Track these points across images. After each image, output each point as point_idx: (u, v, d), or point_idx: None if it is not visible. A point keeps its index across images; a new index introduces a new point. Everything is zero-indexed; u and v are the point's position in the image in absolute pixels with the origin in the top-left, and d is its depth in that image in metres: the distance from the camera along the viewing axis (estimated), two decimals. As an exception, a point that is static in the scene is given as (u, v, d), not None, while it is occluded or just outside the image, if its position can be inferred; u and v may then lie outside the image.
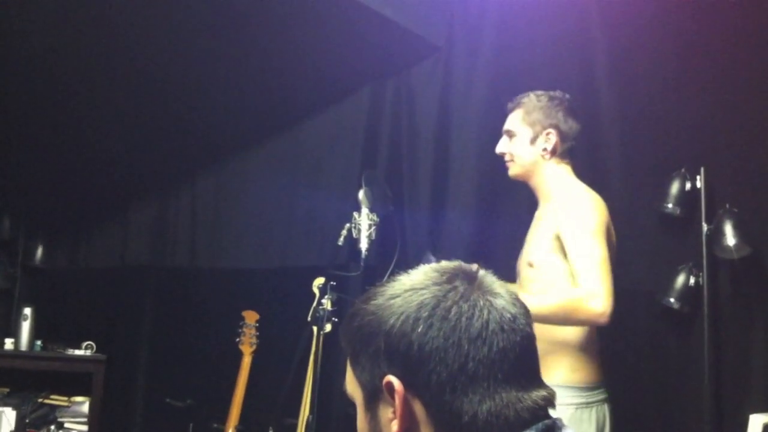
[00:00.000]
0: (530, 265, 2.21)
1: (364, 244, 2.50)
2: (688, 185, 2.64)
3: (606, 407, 2.13)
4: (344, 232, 2.56)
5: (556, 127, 2.26)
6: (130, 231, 3.58)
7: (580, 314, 2.00)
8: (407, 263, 2.90)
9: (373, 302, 0.89)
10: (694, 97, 2.74)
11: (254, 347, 3.11)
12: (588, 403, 2.08)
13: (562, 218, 2.14)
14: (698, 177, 2.63)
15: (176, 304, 3.49)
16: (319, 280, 2.76)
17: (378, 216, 2.61)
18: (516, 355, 0.85)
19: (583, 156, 2.88)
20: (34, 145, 3.49)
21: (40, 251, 3.54)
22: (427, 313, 0.85)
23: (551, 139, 2.25)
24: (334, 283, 2.70)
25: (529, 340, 0.88)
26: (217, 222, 3.53)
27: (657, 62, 2.81)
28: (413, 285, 0.88)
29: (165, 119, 3.58)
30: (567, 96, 2.32)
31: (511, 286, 2.07)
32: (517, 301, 0.89)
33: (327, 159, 3.37)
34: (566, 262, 2.12)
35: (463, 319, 0.84)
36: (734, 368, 2.57)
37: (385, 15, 3.01)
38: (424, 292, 0.87)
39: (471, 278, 0.88)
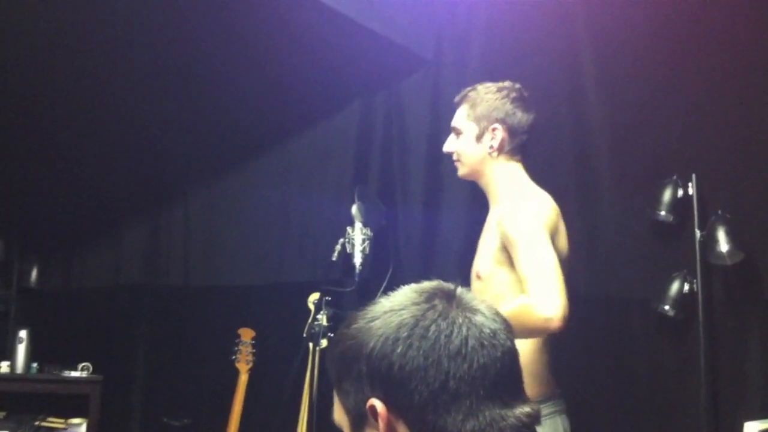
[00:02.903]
0: (478, 276, 2.10)
1: (358, 259, 2.49)
2: (680, 192, 2.64)
3: (561, 419, 2.04)
4: (338, 247, 2.55)
5: (502, 121, 2.11)
6: (125, 250, 3.58)
7: (531, 322, 1.82)
8: (402, 277, 2.91)
9: (353, 326, 0.89)
10: (683, 104, 2.74)
11: (251, 365, 3.10)
12: (543, 416, 1.98)
13: (508, 224, 1.99)
14: (690, 184, 2.63)
15: (172, 323, 3.48)
16: (314, 296, 2.76)
17: (372, 230, 2.61)
18: (497, 371, 0.85)
19: (574, 165, 2.90)
20: (26, 166, 3.49)
21: (34, 273, 3.53)
22: (406, 333, 0.84)
23: (498, 135, 2.10)
24: (330, 299, 2.70)
25: (511, 355, 0.88)
26: (211, 239, 3.52)
27: (646, 70, 2.82)
28: (392, 306, 0.88)
29: (156, 137, 3.59)
30: (517, 86, 2.17)
31: None
32: (497, 316, 0.89)
33: (319, 174, 3.37)
34: (512, 274, 1.98)
35: (442, 336, 0.84)
36: (730, 375, 2.56)
37: (373, 29, 3.02)
38: (402, 312, 0.86)
39: (450, 296, 0.88)
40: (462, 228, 3.00)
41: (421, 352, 0.83)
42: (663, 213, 2.64)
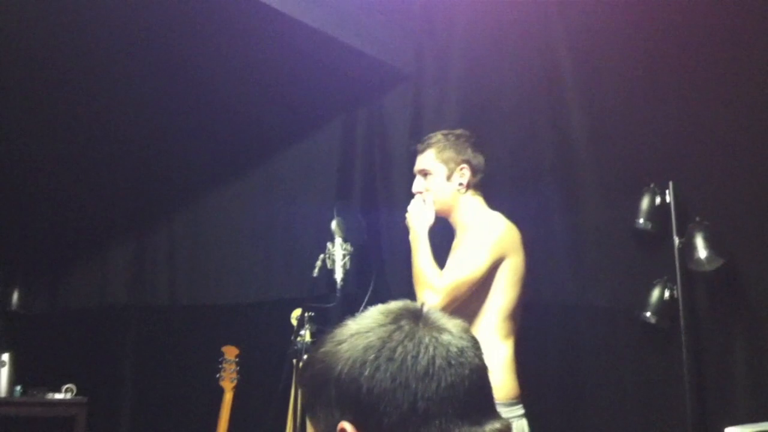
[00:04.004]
0: None
1: (339, 274, 2.51)
2: (658, 200, 2.66)
3: (525, 422, 2.22)
4: (319, 263, 2.56)
5: (468, 162, 2.40)
6: (107, 272, 3.56)
7: (418, 290, 2.24)
8: (386, 291, 2.90)
9: (321, 350, 0.89)
10: (659, 112, 2.77)
11: (235, 383, 3.09)
12: (510, 418, 2.13)
13: (464, 240, 2.29)
14: (667, 191, 2.65)
15: (156, 342, 3.46)
16: (297, 312, 2.75)
17: (352, 245, 2.62)
18: (465, 389, 0.85)
19: (553, 175, 2.91)
20: (8, 188, 3.47)
21: (16, 296, 3.51)
22: (373, 356, 0.84)
23: (465, 173, 2.39)
24: (312, 314, 2.69)
25: (479, 372, 0.87)
26: (194, 258, 3.51)
27: (623, 80, 2.85)
28: (359, 329, 0.88)
29: (139, 158, 3.58)
30: (468, 133, 2.47)
31: None
32: (465, 333, 0.89)
33: (302, 191, 3.37)
34: (475, 293, 2.24)
35: (409, 357, 0.84)
36: (714, 380, 2.58)
37: (353, 45, 3.04)
38: (369, 334, 0.86)
39: (416, 316, 0.88)
40: (444, 242, 3.01)
41: (389, 374, 0.83)
42: (642, 221, 2.66)
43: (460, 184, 2.38)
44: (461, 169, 2.38)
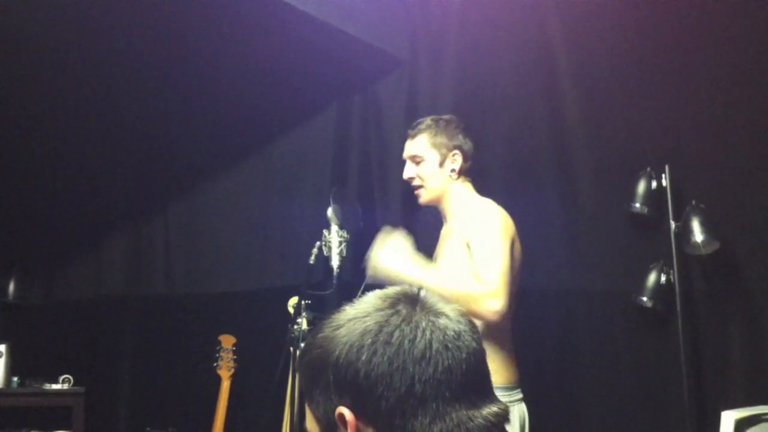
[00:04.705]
0: None
1: (335, 261, 2.51)
2: (654, 184, 2.65)
3: (524, 406, 2.22)
4: (315, 250, 2.56)
5: (459, 148, 2.36)
6: (104, 261, 3.55)
7: (475, 307, 2.01)
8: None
9: (319, 335, 0.89)
10: (656, 96, 2.77)
11: (232, 371, 3.09)
12: (510, 402, 2.13)
13: (471, 227, 2.21)
14: (663, 175, 2.65)
15: (152, 332, 3.46)
16: (294, 300, 2.76)
17: (348, 232, 2.61)
18: (463, 372, 0.85)
19: (550, 160, 2.91)
20: (4, 179, 3.46)
21: (12, 286, 3.51)
22: (370, 340, 0.84)
23: (457, 159, 2.35)
24: (309, 302, 2.70)
25: (477, 355, 0.87)
26: (191, 248, 3.51)
27: (618, 65, 2.84)
28: (356, 314, 0.88)
29: (134, 147, 3.57)
30: (458, 118, 2.44)
31: None
32: (462, 317, 0.89)
33: (297, 178, 3.36)
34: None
35: (406, 341, 0.84)
36: (711, 364, 2.58)
37: (347, 32, 3.02)
38: (366, 319, 0.86)
39: (413, 300, 0.88)
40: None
41: (386, 358, 0.83)
42: (638, 205, 2.66)
43: (452, 170, 2.34)
44: (453, 155, 2.35)
